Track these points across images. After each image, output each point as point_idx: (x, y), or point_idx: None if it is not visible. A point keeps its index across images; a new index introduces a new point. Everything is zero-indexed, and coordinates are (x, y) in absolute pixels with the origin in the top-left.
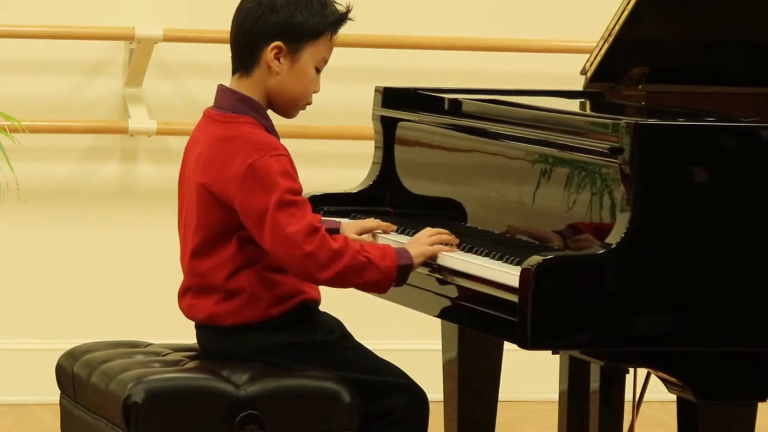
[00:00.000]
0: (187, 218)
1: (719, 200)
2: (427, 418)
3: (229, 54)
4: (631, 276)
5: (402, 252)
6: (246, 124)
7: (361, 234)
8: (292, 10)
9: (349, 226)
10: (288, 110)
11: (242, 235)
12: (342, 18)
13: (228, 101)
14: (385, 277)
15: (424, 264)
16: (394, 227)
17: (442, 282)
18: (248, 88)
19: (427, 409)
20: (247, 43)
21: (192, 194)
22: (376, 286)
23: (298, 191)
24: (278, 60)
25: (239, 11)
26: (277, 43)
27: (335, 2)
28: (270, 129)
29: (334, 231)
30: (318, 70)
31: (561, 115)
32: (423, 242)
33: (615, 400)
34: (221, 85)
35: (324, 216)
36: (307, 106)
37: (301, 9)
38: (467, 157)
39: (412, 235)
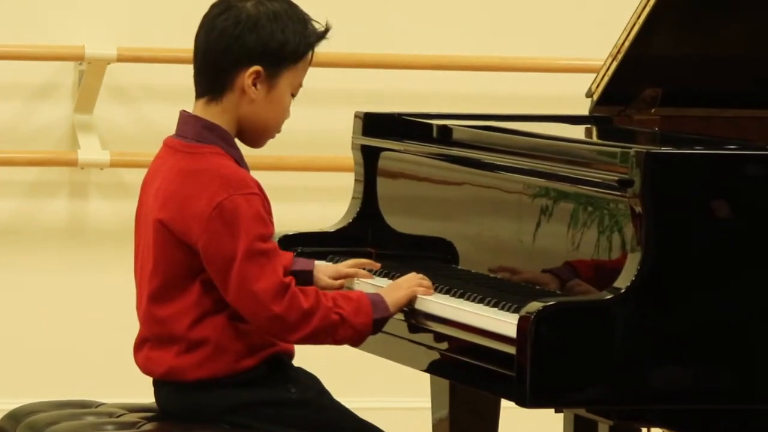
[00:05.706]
0: (144, 260)
1: (742, 238)
2: None
3: (191, 76)
4: (644, 324)
5: (377, 302)
6: (213, 155)
7: (336, 279)
8: (273, 29)
9: (324, 269)
10: (258, 140)
11: (206, 278)
12: (321, 37)
13: (192, 129)
14: (359, 335)
15: (412, 314)
16: (378, 266)
17: (430, 332)
18: (216, 114)
19: None
20: (219, 66)
21: (149, 232)
22: (350, 343)
23: (269, 237)
24: (255, 86)
25: (211, 29)
26: (257, 67)
27: (313, 19)
28: (239, 160)
29: (306, 273)
30: (293, 96)
31: (564, 144)
32: (404, 287)
33: None
34: (184, 111)
35: (296, 257)
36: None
37: (283, 28)
38: (458, 191)
39: (396, 279)
